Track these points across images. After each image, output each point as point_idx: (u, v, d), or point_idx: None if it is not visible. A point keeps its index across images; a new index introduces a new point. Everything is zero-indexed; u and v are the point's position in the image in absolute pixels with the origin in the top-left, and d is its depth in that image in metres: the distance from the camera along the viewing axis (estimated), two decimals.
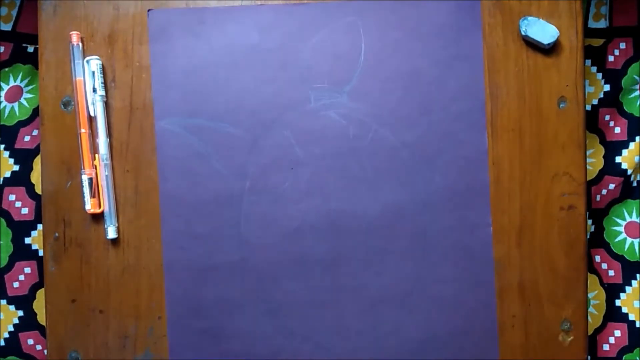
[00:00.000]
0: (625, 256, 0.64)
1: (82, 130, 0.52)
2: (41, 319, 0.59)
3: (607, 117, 0.63)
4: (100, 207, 0.52)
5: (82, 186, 0.51)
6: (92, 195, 0.51)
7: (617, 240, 0.64)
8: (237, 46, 0.53)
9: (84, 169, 0.51)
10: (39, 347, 0.59)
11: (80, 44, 0.52)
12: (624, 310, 0.64)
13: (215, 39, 0.53)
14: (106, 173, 0.51)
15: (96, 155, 0.52)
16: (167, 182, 0.52)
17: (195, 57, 0.53)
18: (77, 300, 0.52)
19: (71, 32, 0.52)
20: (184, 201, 0.52)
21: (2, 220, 0.59)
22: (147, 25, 0.53)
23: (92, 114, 0.51)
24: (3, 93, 0.59)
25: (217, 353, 0.52)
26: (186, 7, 0.53)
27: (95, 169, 0.52)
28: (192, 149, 0.52)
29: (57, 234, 0.53)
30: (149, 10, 0.53)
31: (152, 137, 0.52)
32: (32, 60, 0.59)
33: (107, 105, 0.52)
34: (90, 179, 0.51)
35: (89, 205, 0.51)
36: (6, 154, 0.59)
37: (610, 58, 0.63)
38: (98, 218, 0.52)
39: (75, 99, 0.52)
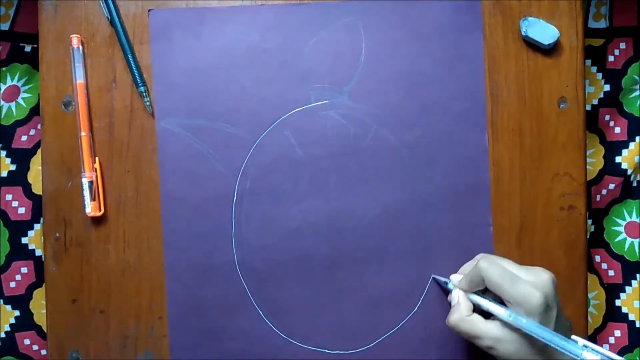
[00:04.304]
0: (625, 256, 0.64)
1: (83, 134, 0.52)
2: (38, 319, 0.59)
3: (607, 117, 0.63)
4: (100, 210, 0.52)
5: (82, 189, 0.51)
6: (93, 199, 0.51)
7: (617, 240, 0.64)
8: (238, 46, 0.53)
9: (84, 172, 0.51)
10: (35, 347, 0.59)
11: (81, 47, 0.52)
12: (624, 310, 0.64)
13: (216, 39, 0.53)
14: None
15: (96, 158, 0.52)
16: (168, 182, 0.52)
17: (196, 57, 0.53)
18: (77, 301, 0.52)
19: (72, 35, 0.52)
20: (184, 201, 0.52)
21: None
22: (147, 25, 0.53)
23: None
24: (0, 92, 0.59)
25: (217, 353, 0.52)
26: (187, 7, 0.53)
27: (96, 172, 0.52)
28: (192, 149, 0.52)
29: (57, 234, 0.53)
30: (149, 10, 0.53)
31: (152, 137, 0.52)
32: (29, 59, 0.59)
33: (107, 105, 0.53)
34: (91, 182, 0.51)
35: (89, 209, 0.51)
36: (3, 153, 0.59)
37: (610, 58, 0.63)
38: (99, 219, 0.52)
39: (76, 102, 0.52)
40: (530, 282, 0.43)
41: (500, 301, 0.44)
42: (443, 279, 0.50)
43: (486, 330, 0.44)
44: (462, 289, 0.47)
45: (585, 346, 0.37)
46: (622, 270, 0.64)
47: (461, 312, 0.45)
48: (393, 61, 0.53)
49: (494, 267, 0.43)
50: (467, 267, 0.49)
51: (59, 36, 0.52)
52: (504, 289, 0.42)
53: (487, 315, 0.45)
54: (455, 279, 0.48)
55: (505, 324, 0.43)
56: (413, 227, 0.53)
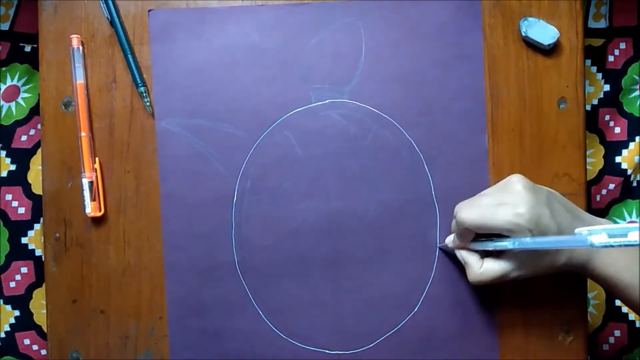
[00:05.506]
0: None
1: (83, 134, 0.52)
2: (38, 319, 0.59)
3: (607, 117, 0.63)
4: (100, 210, 0.52)
5: (83, 190, 0.51)
6: (93, 199, 0.51)
7: None
8: (238, 46, 0.53)
9: (84, 172, 0.51)
10: (35, 347, 0.60)
11: (81, 47, 0.52)
12: (624, 310, 0.64)
13: (216, 39, 0.53)
14: None
15: (96, 158, 0.52)
16: (168, 182, 0.52)
17: (196, 57, 0.53)
18: (78, 301, 0.53)
19: (72, 36, 0.52)
20: (184, 201, 0.52)
21: None
22: (147, 25, 0.53)
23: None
24: (0, 92, 0.59)
25: (217, 353, 0.52)
26: (187, 7, 0.53)
27: (96, 172, 0.52)
28: (192, 149, 0.52)
29: (57, 234, 0.53)
30: (149, 11, 0.53)
31: (152, 137, 0.52)
32: (29, 59, 0.59)
33: (107, 106, 0.53)
34: (91, 182, 0.51)
35: (90, 209, 0.51)
36: (3, 153, 0.59)
37: (610, 58, 0.63)
38: (99, 220, 0.52)
39: (76, 102, 0.52)
40: (508, 204, 0.42)
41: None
42: (447, 245, 0.50)
43: (504, 268, 0.44)
44: (459, 247, 0.48)
45: (590, 232, 0.36)
46: None
47: (473, 268, 0.46)
48: (393, 61, 0.53)
49: (470, 212, 0.44)
50: (454, 225, 0.49)
51: (59, 36, 0.52)
52: (490, 226, 0.43)
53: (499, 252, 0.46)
54: (449, 240, 0.49)
55: (514, 252, 0.44)
56: (413, 227, 0.53)
